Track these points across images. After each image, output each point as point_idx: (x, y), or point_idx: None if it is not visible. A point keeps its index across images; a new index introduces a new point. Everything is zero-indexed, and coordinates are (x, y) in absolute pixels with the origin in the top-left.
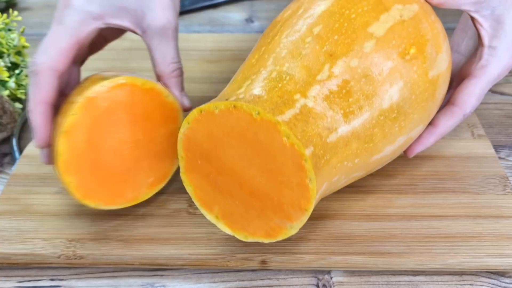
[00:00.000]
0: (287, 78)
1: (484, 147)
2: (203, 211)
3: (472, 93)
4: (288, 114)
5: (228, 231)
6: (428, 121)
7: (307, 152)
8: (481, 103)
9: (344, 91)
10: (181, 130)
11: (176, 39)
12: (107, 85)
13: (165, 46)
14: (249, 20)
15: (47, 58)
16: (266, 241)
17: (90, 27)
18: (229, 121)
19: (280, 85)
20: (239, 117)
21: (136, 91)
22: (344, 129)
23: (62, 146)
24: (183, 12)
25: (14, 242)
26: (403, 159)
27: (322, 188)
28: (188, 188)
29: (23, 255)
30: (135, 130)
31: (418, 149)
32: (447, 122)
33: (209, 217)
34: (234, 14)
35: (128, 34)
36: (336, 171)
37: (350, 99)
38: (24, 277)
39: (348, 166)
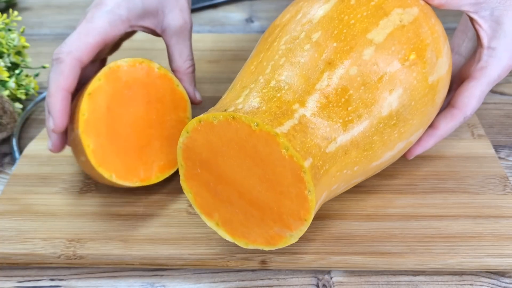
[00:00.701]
0: (286, 87)
1: (484, 147)
2: (203, 217)
3: (472, 95)
4: (287, 126)
5: (228, 238)
6: (427, 125)
7: (306, 164)
8: (481, 103)
9: (343, 99)
10: (181, 139)
11: (191, 38)
12: (128, 61)
13: (182, 44)
14: (249, 20)
15: (74, 49)
16: (266, 248)
17: (118, 29)
18: (228, 131)
19: (278, 94)
20: (238, 128)
21: (152, 73)
22: (343, 138)
23: (85, 105)
24: None
25: (14, 242)
26: (403, 159)
27: (322, 198)
28: (188, 195)
29: (23, 255)
30: (149, 110)
31: (418, 151)
32: (448, 125)
33: (210, 223)
34: (234, 14)
35: None
36: (336, 180)
37: (349, 108)
38: (24, 277)
39: (347, 174)
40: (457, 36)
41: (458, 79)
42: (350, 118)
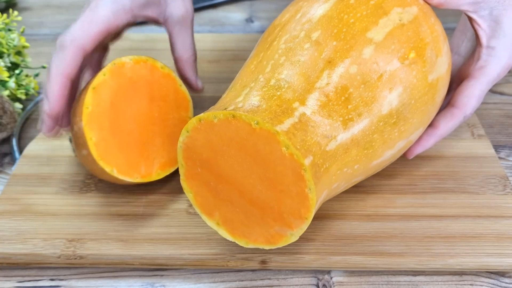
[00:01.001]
0: (286, 86)
1: (484, 147)
2: (204, 217)
3: (472, 94)
4: (287, 124)
5: (229, 237)
6: (427, 124)
7: (307, 162)
8: (481, 103)
9: (343, 98)
10: (181, 139)
11: (192, 27)
12: (133, 59)
13: (184, 33)
14: (249, 20)
15: (77, 37)
16: (267, 247)
17: (121, 19)
18: (228, 130)
19: (278, 93)
20: (238, 127)
21: (156, 71)
22: (343, 136)
23: (89, 99)
24: None
25: (14, 242)
26: (403, 159)
27: (322, 196)
28: (189, 195)
29: (23, 255)
30: (152, 107)
31: (418, 150)
32: (448, 124)
33: (210, 223)
34: (234, 14)
35: (128, 34)
36: (336, 178)
37: (349, 106)
38: (24, 277)
39: (347, 173)
40: (456, 36)
41: (458, 79)
42: (350, 116)
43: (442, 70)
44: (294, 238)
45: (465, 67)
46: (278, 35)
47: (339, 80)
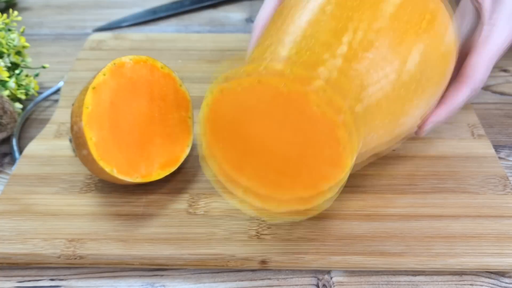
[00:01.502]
0: (313, 41)
1: (484, 147)
2: (229, 186)
3: (477, 65)
4: (317, 82)
5: (257, 203)
6: (438, 98)
7: (340, 119)
8: (481, 103)
9: (370, 51)
10: (201, 114)
11: None
12: (133, 59)
13: None
14: (249, 20)
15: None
16: (301, 208)
17: None
18: (254, 95)
19: (306, 48)
20: (265, 92)
21: (156, 71)
22: (373, 89)
23: (89, 99)
24: (183, 12)
25: (14, 242)
26: (403, 159)
27: (359, 147)
28: (212, 165)
29: (23, 255)
30: (152, 107)
31: (429, 126)
32: (457, 98)
33: (236, 191)
34: (234, 14)
35: (128, 34)
36: (369, 130)
37: (376, 60)
38: (24, 277)
39: (378, 126)
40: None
41: (461, 59)
42: (377, 69)
43: (451, 42)
44: (330, 194)
45: (467, 44)
46: (290, 13)
47: (364, 36)
